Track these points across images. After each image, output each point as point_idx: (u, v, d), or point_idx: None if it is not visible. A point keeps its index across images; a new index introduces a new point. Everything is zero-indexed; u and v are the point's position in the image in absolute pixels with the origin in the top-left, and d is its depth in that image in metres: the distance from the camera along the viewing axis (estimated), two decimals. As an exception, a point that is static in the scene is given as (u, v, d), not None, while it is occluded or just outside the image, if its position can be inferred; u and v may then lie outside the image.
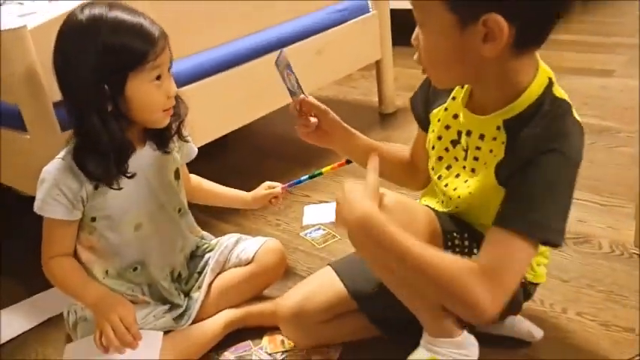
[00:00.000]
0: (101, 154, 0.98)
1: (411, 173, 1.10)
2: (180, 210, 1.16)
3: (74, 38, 0.98)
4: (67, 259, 1.05)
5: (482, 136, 0.89)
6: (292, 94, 1.01)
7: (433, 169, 1.00)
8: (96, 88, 0.96)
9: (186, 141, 1.16)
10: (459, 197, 0.94)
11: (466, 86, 0.93)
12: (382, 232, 0.81)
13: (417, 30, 0.84)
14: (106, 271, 1.08)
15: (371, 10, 1.95)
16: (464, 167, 0.94)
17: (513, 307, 1.02)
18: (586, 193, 1.49)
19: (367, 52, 1.98)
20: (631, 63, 2.27)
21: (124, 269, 1.09)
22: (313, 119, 1.01)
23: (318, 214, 1.57)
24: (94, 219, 1.04)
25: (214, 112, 1.49)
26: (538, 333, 1.06)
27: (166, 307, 1.12)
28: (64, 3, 1.76)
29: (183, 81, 1.37)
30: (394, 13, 2.04)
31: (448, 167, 0.97)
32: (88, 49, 0.96)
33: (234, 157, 2.03)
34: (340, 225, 0.86)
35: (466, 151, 0.93)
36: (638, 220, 1.27)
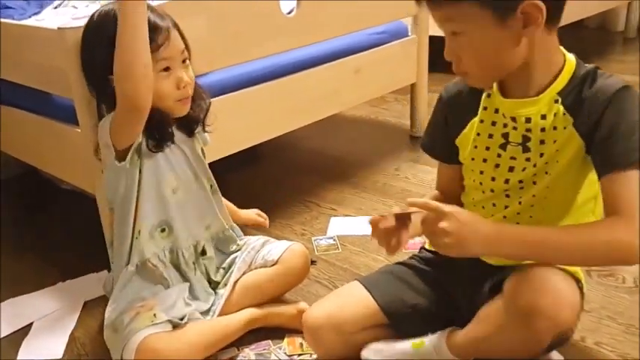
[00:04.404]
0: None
1: None
2: (212, 186, 1.23)
3: (87, 35, 1.08)
4: None
5: (544, 116, 0.91)
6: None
7: (482, 183, 0.99)
8: (106, 79, 1.03)
9: (207, 131, 1.22)
10: (533, 196, 0.95)
11: (494, 87, 0.95)
12: (517, 241, 0.85)
13: (448, 45, 0.88)
14: (139, 231, 1.13)
15: (410, 34, 2.00)
16: (527, 159, 0.94)
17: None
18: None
19: (403, 75, 2.02)
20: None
21: (154, 228, 1.14)
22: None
23: (343, 226, 1.60)
24: (140, 171, 1.11)
25: (249, 122, 1.54)
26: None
27: (188, 291, 1.16)
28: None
29: (222, 91, 1.43)
30: (433, 39, 2.09)
31: (510, 169, 0.96)
32: (96, 43, 1.06)
33: (265, 168, 2.08)
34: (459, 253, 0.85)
35: (523, 143, 0.93)
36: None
